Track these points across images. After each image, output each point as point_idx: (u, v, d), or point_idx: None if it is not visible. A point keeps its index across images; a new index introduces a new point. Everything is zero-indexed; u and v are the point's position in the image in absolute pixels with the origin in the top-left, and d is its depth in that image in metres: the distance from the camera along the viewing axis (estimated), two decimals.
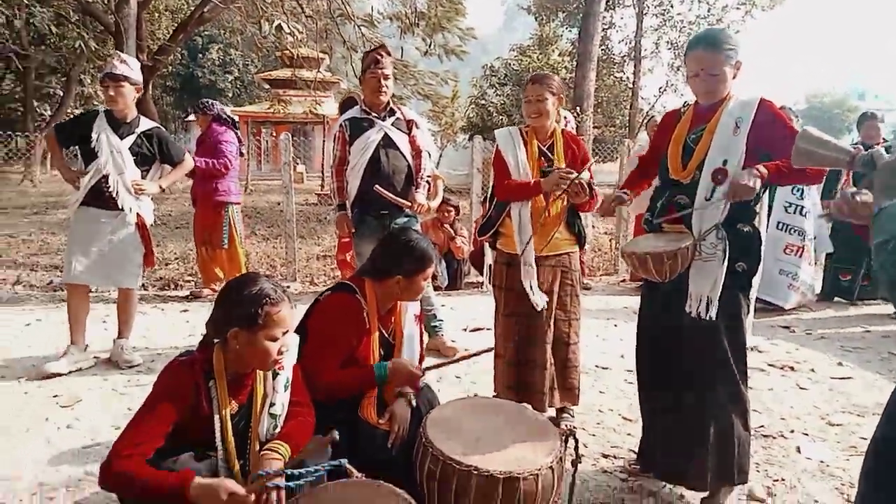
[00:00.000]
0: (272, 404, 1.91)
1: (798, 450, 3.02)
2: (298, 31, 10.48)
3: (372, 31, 14.18)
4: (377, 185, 3.63)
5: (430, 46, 13.78)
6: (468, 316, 5.30)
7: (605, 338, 4.83)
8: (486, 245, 3.33)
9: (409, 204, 3.73)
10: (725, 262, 2.28)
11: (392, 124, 3.78)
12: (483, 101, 18.34)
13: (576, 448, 2.25)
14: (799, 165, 1.67)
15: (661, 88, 15.64)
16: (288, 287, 6.35)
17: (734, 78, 2.34)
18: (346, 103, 4.42)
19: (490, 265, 3.38)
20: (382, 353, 2.37)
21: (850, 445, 3.09)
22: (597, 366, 4.15)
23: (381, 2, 14.27)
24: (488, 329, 4.88)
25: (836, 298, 6.11)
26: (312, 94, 15.87)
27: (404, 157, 3.80)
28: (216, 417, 1.79)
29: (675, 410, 2.44)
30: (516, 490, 1.98)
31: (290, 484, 1.71)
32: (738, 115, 2.29)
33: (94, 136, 3.70)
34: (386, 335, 2.40)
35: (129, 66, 3.78)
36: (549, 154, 3.03)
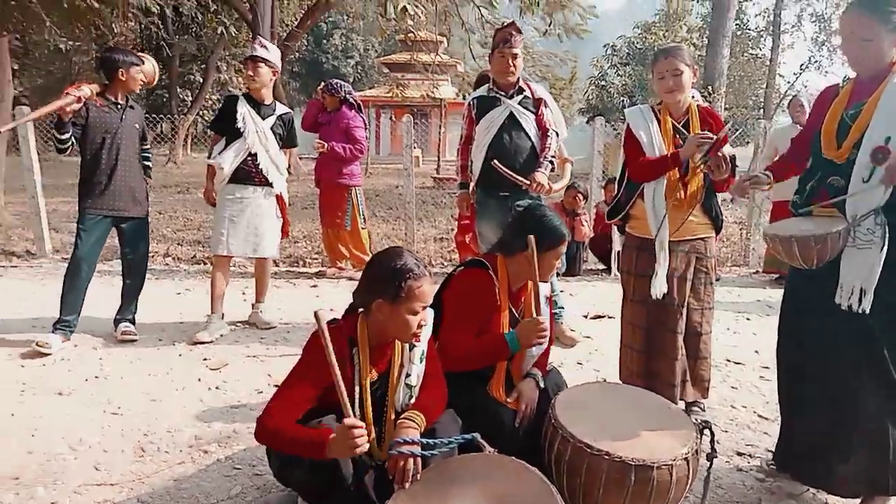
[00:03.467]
0: (408, 375, 1.98)
1: None
2: (421, 13, 10.63)
3: (491, 13, 14.15)
4: (495, 160, 3.60)
5: (549, 26, 13.53)
6: (588, 302, 5.21)
7: (737, 331, 4.58)
8: (615, 229, 3.23)
9: (528, 182, 3.68)
10: (884, 251, 2.07)
11: (519, 103, 3.75)
12: (603, 82, 17.74)
13: (711, 442, 2.16)
14: None
15: (802, 66, 14.33)
16: None
17: None
18: (480, 81, 4.43)
19: (617, 251, 3.29)
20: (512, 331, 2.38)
21: None
22: (728, 360, 3.95)
23: None
24: (610, 317, 4.80)
25: None
26: (430, 77, 16.12)
27: (528, 136, 3.76)
28: (357, 385, 1.88)
29: (821, 410, 2.27)
30: (650, 479, 1.94)
31: (425, 453, 1.77)
32: None
33: (239, 117, 3.99)
34: (516, 314, 2.41)
35: (268, 49, 4.04)
36: (685, 131, 2.88)
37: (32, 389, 3.25)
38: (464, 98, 15.02)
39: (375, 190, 13.67)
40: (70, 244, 4.74)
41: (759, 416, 3.18)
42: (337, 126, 5.71)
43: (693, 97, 3.43)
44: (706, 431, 2.16)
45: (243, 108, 4.04)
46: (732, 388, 3.53)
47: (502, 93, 3.76)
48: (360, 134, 5.73)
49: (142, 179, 4.03)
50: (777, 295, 5.62)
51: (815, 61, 15.21)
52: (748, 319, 4.90)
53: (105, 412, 3.01)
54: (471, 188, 3.94)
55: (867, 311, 2.08)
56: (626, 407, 2.25)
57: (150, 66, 4.05)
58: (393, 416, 1.96)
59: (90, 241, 3.84)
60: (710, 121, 2.89)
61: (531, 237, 2.19)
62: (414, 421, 1.84)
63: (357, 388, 1.88)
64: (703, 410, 3.09)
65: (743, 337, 4.45)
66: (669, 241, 2.82)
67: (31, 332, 4.01)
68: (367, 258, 5.97)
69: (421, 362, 2.01)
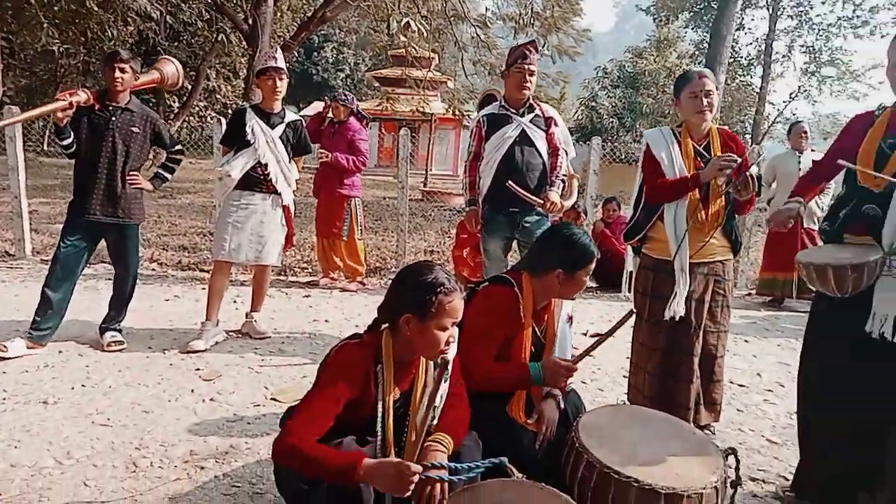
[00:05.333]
0: (433, 394, 1.88)
1: None
2: (423, 29, 10.67)
3: (485, 32, 14.23)
4: (510, 182, 3.57)
5: (543, 46, 13.64)
6: (584, 320, 5.15)
7: (737, 353, 4.54)
8: (629, 249, 3.18)
9: (542, 202, 3.64)
10: None
11: (531, 121, 3.70)
12: (594, 104, 17.90)
13: (736, 469, 2.11)
14: None
15: (791, 94, 14.67)
16: None
17: None
18: (486, 100, 4.39)
19: (630, 271, 3.24)
20: (533, 351, 2.30)
21: None
22: (731, 381, 3.89)
23: (494, 1, 14.30)
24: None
25: None
26: (421, 92, 16.12)
27: (540, 154, 3.71)
28: (380, 403, 1.78)
29: (846, 440, 2.21)
30: None
31: (453, 478, 1.68)
32: None
33: (248, 129, 3.95)
34: (538, 333, 2.33)
35: (282, 59, 4.00)
36: (706, 154, 2.85)
37: (14, 398, 3.08)
38: (453, 114, 15.02)
39: (364, 202, 13.54)
40: (51, 246, 4.58)
41: (768, 440, 3.13)
42: (342, 137, 5.63)
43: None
44: (730, 458, 2.10)
45: (252, 120, 4.00)
46: (739, 410, 3.48)
47: (513, 110, 3.71)
48: (364, 146, 5.67)
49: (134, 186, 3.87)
50: (771, 317, 5.69)
51: (805, 90, 15.54)
52: (746, 342, 4.88)
53: (94, 423, 2.86)
54: (479, 204, 3.87)
55: None
56: (649, 431, 2.17)
57: (172, 69, 3.96)
58: (413, 438, 1.85)
59: (70, 245, 3.71)
60: (731, 144, 2.87)
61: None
62: (442, 444, 1.75)
63: (380, 406, 1.78)
64: (714, 434, 3.03)
65: (744, 359, 4.41)
66: (690, 263, 2.77)
67: (8, 336, 3.84)
68: (362, 269, 6.00)
69: (445, 382, 1.92)
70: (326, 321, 4.78)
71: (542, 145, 3.73)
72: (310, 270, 6.58)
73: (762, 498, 2.54)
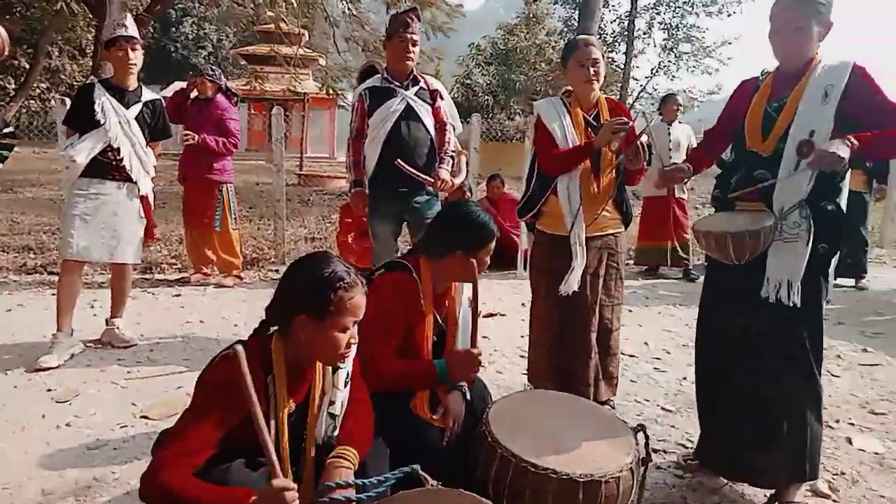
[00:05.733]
0: (331, 402, 1.67)
1: (850, 441, 2.89)
2: (289, 3, 10.09)
3: (356, 7, 13.79)
4: (399, 160, 3.37)
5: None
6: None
7: (623, 323, 4.62)
8: (523, 226, 3.10)
9: (432, 180, 3.48)
10: (810, 243, 2.09)
11: (415, 94, 3.51)
12: (469, 81, 18.01)
13: (646, 445, 2.08)
14: None
15: (653, 70, 15.56)
16: (276, 270, 6.09)
17: (822, 40, 2.13)
18: (367, 72, 4.12)
19: (525, 248, 3.17)
20: (436, 340, 2.14)
21: None
22: (622, 352, 3.96)
23: None
24: (502, 314, 4.72)
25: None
26: (292, 70, 15.42)
27: (427, 129, 3.53)
28: (272, 420, 1.54)
29: (744, 403, 2.26)
30: (598, 494, 1.80)
31: (362, 496, 1.49)
32: (828, 81, 2.08)
33: (97, 107, 3.44)
34: (439, 320, 2.17)
35: (134, 27, 3.49)
36: (596, 123, 2.81)
37: None
38: (327, 93, 14.51)
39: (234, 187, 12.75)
40: None
41: (663, 408, 3.20)
42: (209, 116, 5.10)
43: None
44: (640, 435, 2.08)
45: (101, 97, 3.47)
46: (632, 381, 3.55)
47: (397, 83, 3.49)
48: (235, 126, 5.19)
49: None
50: (649, 286, 5.94)
51: (664, 66, 16.52)
52: (630, 311, 5.02)
53: None
54: (365, 185, 3.63)
55: (797, 304, 2.09)
56: (559, 416, 2.10)
57: None
58: (313, 453, 1.64)
59: None
60: (619, 113, 2.84)
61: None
62: (346, 459, 1.55)
63: (273, 423, 1.54)
64: (614, 408, 3.05)
65: (630, 329, 4.53)
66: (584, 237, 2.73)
67: None
68: (238, 262, 5.55)
69: (346, 387, 1.71)
70: (201, 322, 4.36)
71: (428, 120, 3.55)
72: (179, 266, 6.01)
73: (666, 469, 2.57)
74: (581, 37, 2.89)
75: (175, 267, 6.02)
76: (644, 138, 2.55)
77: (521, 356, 3.79)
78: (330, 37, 14.71)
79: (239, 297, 5.09)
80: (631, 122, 2.53)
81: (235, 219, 5.43)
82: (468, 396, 2.19)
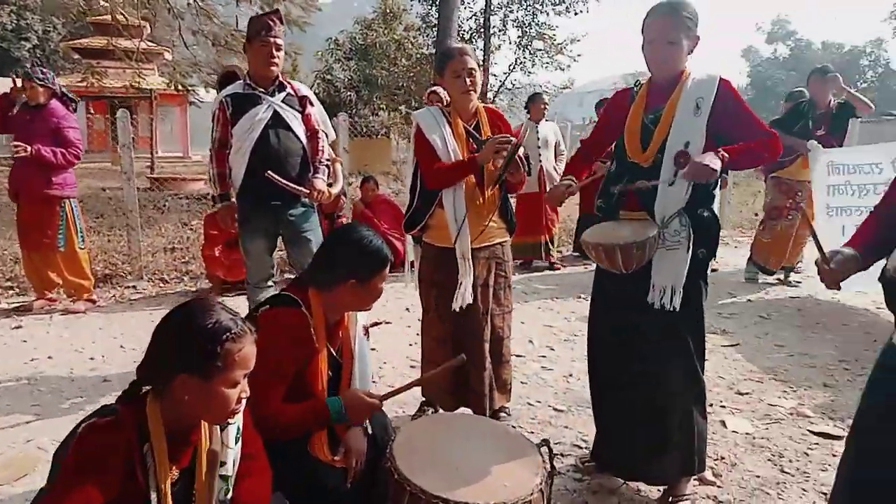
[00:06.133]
0: (222, 463, 1.47)
1: (724, 424, 3.10)
2: None
3: None
4: (269, 171, 3.13)
5: None
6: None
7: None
8: (409, 239, 3.00)
9: (307, 191, 3.28)
10: (690, 250, 2.18)
11: (283, 101, 3.28)
12: (329, 77, 17.55)
13: (550, 459, 2.06)
14: None
15: (510, 66, 16.04)
16: (134, 287, 5.54)
17: (690, 53, 2.22)
18: (227, 77, 3.80)
19: (411, 261, 3.08)
20: (331, 375, 1.99)
21: (764, 414, 3.23)
22: None
23: None
24: (387, 322, 4.60)
25: None
26: (134, 65, 14.19)
27: (297, 138, 3.32)
28: (153, 493, 1.33)
29: (638, 409, 2.32)
30: None
31: None
32: (698, 94, 2.17)
33: None
34: (334, 353, 2.02)
35: None
36: (477, 133, 2.77)
37: None
38: (176, 89, 13.51)
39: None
40: None
41: (555, 409, 3.25)
42: (44, 124, 4.46)
43: None
44: (544, 449, 2.06)
45: None
46: (522, 383, 3.58)
47: (262, 89, 3.24)
48: (75, 135, 4.58)
49: None
50: (525, 280, 6.09)
51: (521, 62, 17.11)
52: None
53: None
54: (233, 198, 3.35)
55: (678, 309, 2.17)
56: (464, 441, 2.02)
57: None
58: None
59: None
60: (500, 123, 2.83)
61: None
62: None
63: (154, 497, 1.33)
64: (510, 415, 3.05)
65: (514, 327, 4.55)
66: (471, 249, 2.69)
67: None
68: (89, 283, 4.95)
69: (237, 443, 1.52)
70: (50, 357, 3.82)
71: (299, 128, 3.34)
72: (17, 291, 5.28)
73: (565, 474, 2.59)
74: (455, 46, 2.84)
75: (13, 292, 5.27)
76: (522, 150, 2.54)
77: (412, 366, 3.70)
78: (175, 29, 13.67)
79: (93, 323, 4.54)
80: (514, 139, 2.51)
81: (83, 237, 4.84)
82: (370, 430, 2.07)
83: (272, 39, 3.14)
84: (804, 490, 2.54)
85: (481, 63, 2.83)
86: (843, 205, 4.79)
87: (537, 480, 1.85)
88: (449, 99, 2.85)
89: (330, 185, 3.52)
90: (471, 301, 2.71)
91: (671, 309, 2.18)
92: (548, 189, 6.19)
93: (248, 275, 3.51)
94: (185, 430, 1.43)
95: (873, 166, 4.74)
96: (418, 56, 17.88)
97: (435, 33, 16.13)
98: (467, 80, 2.67)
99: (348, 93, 16.54)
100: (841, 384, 3.59)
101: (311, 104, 3.44)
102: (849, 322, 4.77)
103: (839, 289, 1.66)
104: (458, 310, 2.72)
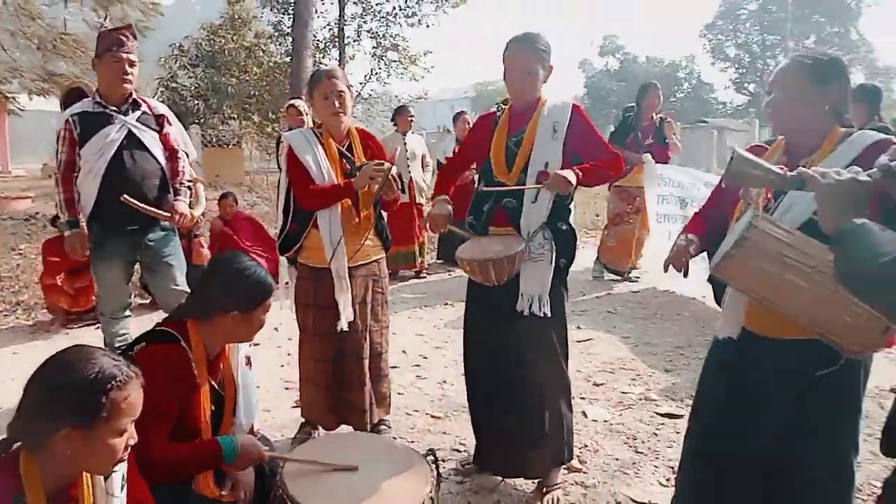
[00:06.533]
0: None
1: (585, 414, 3.39)
2: None
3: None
4: (125, 196, 2.97)
5: (105, 20, 11.94)
6: None
7: None
8: (284, 261, 2.98)
9: (168, 215, 3.14)
10: (554, 261, 2.39)
11: (138, 120, 3.11)
12: (174, 84, 16.53)
13: (437, 467, 2.17)
14: (733, 185, 1.75)
15: (366, 76, 16.10)
16: None
17: (545, 81, 2.44)
18: (71, 95, 3.51)
19: (286, 282, 3.06)
20: (214, 410, 1.95)
21: (618, 402, 3.57)
22: None
23: None
24: (256, 344, 4.46)
25: None
26: None
27: (155, 159, 3.17)
28: None
29: (513, 406, 2.50)
30: None
31: None
32: (555, 119, 2.40)
33: None
34: (216, 387, 1.97)
35: None
36: (350, 154, 2.82)
37: None
38: None
39: None
40: None
41: (433, 416, 3.37)
42: None
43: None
44: (430, 458, 2.16)
45: None
46: (399, 394, 3.66)
47: (113, 108, 3.06)
48: None
49: None
50: (395, 290, 6.18)
51: (376, 72, 17.21)
52: None
53: None
54: (83, 224, 3.12)
55: (549, 315, 2.37)
56: (354, 459, 2.07)
57: None
58: None
59: None
60: (371, 144, 2.91)
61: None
62: None
63: None
64: (390, 427, 3.12)
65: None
66: (348, 268, 2.74)
67: None
68: None
69: (122, 490, 1.46)
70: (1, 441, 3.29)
71: (156, 148, 3.19)
72: None
73: (448, 479, 2.71)
74: (324, 68, 2.88)
75: None
76: (395, 170, 2.64)
77: (286, 388, 3.66)
78: None
79: None
80: (388, 165, 2.60)
81: None
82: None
83: (125, 55, 2.98)
84: (656, 467, 2.86)
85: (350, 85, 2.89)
86: (669, 213, 5.50)
87: (427, 489, 1.94)
88: (310, 111, 2.88)
89: (192, 206, 3.40)
90: (351, 319, 2.76)
91: (541, 315, 2.38)
92: (417, 200, 6.38)
93: (101, 306, 3.29)
94: (64, 484, 1.35)
95: (692, 184, 5.59)
96: (271, 64, 17.38)
97: (289, 42, 15.82)
98: (336, 102, 2.72)
99: (196, 101, 15.69)
100: (679, 368, 4.05)
101: (170, 123, 3.30)
102: (682, 312, 5.36)
103: (686, 271, 1.91)
104: (339, 329, 2.75)
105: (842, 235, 1.11)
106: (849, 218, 1.11)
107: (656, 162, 5.65)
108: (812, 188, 1.26)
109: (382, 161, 2.67)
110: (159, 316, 5.04)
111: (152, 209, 3.07)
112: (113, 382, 1.29)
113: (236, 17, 17.41)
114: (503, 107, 2.55)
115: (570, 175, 2.29)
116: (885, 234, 1.05)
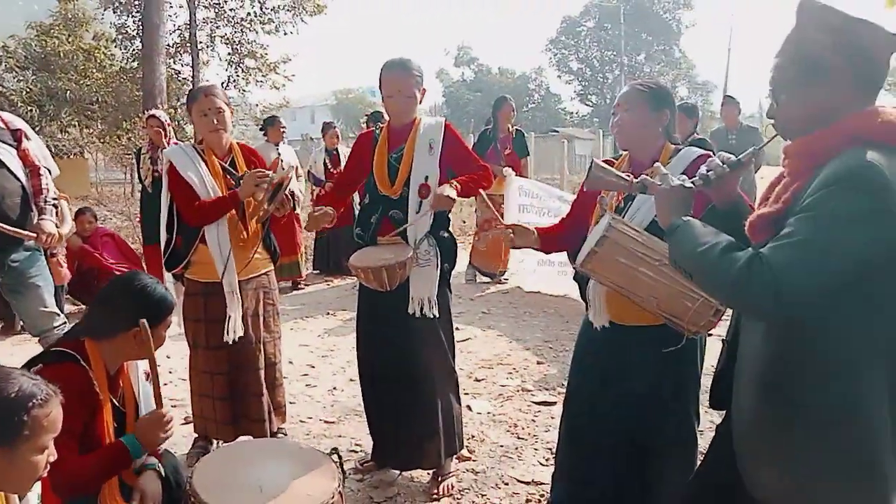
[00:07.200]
0: None
1: (469, 408, 3.64)
2: None
3: None
4: None
5: None
6: None
7: None
8: (168, 276, 2.93)
9: (33, 235, 2.98)
10: (440, 266, 2.61)
11: None
12: (1, 88, 14.86)
13: (340, 465, 2.29)
14: (592, 189, 2.02)
15: (223, 83, 15.28)
16: None
17: (420, 102, 2.65)
18: None
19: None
20: (116, 427, 1.94)
21: (498, 394, 3.87)
22: None
23: None
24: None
25: None
26: None
27: (15, 176, 2.99)
28: None
29: (407, 403, 2.68)
30: None
31: None
32: (431, 136, 2.62)
33: None
34: (117, 403, 1.97)
35: None
36: (233, 170, 2.86)
37: None
38: None
39: None
40: None
41: (326, 421, 3.47)
42: None
43: None
44: (334, 457, 2.28)
45: None
46: (291, 402, 3.69)
47: None
48: None
49: None
50: (289, 299, 6.12)
51: (234, 80, 16.53)
52: None
53: None
54: None
55: (438, 316, 2.58)
56: (261, 463, 2.15)
57: None
58: None
59: None
60: (254, 159, 2.96)
61: (143, 321, 1.83)
62: None
63: None
64: (286, 435, 3.18)
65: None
66: (239, 281, 2.78)
67: None
68: None
69: None
70: None
71: (15, 165, 3.02)
72: None
73: (349, 477, 2.79)
74: (201, 86, 2.92)
75: None
76: (294, 184, 2.73)
77: (173, 406, 3.55)
78: None
79: None
80: (271, 173, 2.68)
81: None
82: (163, 472, 2.06)
83: None
84: (536, 450, 3.17)
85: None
86: (530, 221, 5.96)
87: (335, 485, 2.07)
88: (168, 121, 2.88)
89: (57, 225, 3.23)
90: (242, 333, 2.79)
91: (431, 316, 2.58)
92: (295, 209, 6.36)
93: None
94: None
95: (547, 197, 6.17)
96: (115, 69, 16.15)
97: (136, 46, 14.85)
98: (215, 119, 2.75)
99: (29, 108, 14.22)
100: (549, 360, 4.45)
101: (28, 138, 3.12)
102: (547, 309, 5.82)
103: (513, 244, 2.32)
104: (230, 342, 2.77)
105: (673, 230, 1.41)
106: (679, 215, 1.42)
107: (515, 172, 6.14)
108: (652, 192, 1.57)
109: (264, 170, 2.74)
110: (15, 341, 4.70)
111: (13, 229, 2.90)
112: (34, 401, 1.31)
113: (70, 16, 16.02)
114: (382, 125, 2.74)
115: (452, 192, 2.51)
116: (706, 229, 1.36)
